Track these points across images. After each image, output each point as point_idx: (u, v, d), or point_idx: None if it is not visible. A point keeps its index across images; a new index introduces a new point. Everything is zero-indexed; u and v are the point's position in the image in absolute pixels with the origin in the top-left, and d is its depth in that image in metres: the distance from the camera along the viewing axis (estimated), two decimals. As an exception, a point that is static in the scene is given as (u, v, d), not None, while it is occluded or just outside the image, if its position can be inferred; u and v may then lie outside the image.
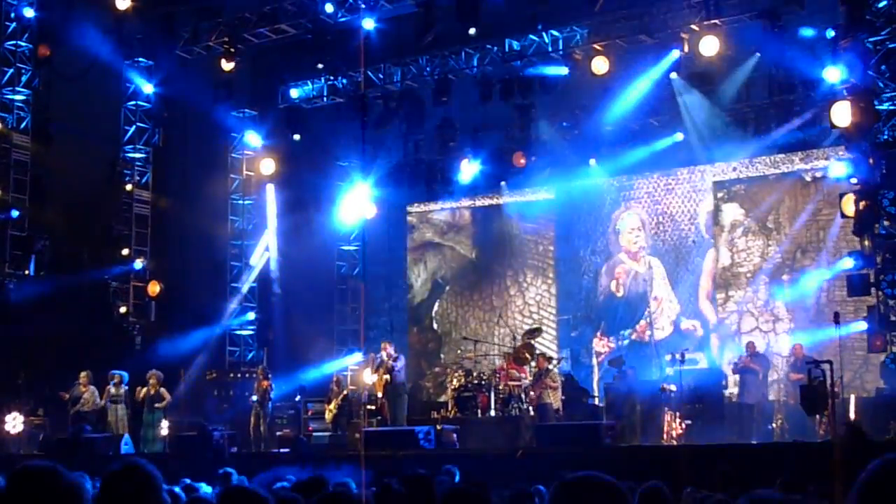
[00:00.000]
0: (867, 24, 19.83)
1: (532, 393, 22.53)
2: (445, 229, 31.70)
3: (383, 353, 24.28)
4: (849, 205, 20.11)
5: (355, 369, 29.26)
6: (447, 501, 5.90)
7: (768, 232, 26.55)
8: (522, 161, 28.17)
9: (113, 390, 23.77)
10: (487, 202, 30.81)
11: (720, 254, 27.13)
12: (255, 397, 24.71)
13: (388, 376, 23.80)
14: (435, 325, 31.43)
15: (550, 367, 23.05)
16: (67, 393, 23.92)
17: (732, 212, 27.10)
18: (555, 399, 22.78)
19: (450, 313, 31.25)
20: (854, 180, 20.45)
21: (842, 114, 19.70)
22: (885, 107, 19.97)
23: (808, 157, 25.95)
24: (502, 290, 30.35)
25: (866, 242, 20.17)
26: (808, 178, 26.01)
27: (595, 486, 3.25)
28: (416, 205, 31.98)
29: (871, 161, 19.82)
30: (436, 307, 31.57)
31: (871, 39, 20.05)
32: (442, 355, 30.63)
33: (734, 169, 27.09)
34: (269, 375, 25.19)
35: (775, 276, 26.21)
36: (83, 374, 23.78)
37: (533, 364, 23.42)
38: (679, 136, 26.41)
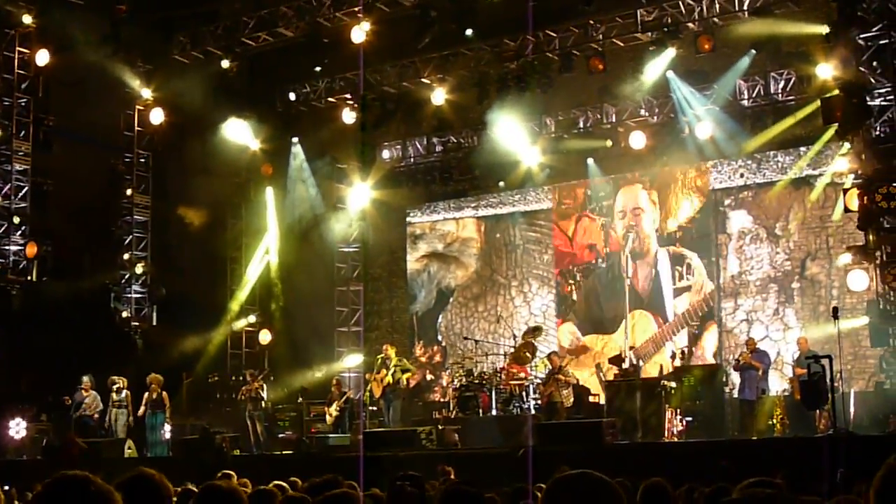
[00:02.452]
0: (859, 21, 19.91)
1: (545, 390, 22.61)
2: (449, 240, 31.31)
3: (384, 355, 24.43)
4: (852, 199, 20.15)
5: (357, 371, 29.36)
6: (445, 500, 5.96)
7: (776, 239, 26.10)
8: (521, 160, 28.26)
9: (114, 395, 23.86)
10: (488, 204, 30.69)
11: (728, 262, 26.73)
12: (244, 399, 24.87)
13: (388, 378, 23.93)
14: (440, 338, 30.82)
15: (563, 364, 23.12)
16: (69, 398, 24.03)
17: (740, 219, 26.65)
18: (566, 398, 22.84)
19: (454, 325, 30.74)
20: (853, 175, 20.55)
21: (834, 110, 19.80)
22: (876, 102, 20.03)
23: (808, 161, 25.44)
24: (507, 301, 29.99)
25: (871, 237, 20.22)
26: (816, 184, 25.40)
27: (589, 483, 3.32)
28: (416, 211, 31.81)
29: (862, 157, 19.92)
30: (440, 319, 31.09)
31: (862, 35, 20.13)
32: (447, 368, 29.66)
33: (741, 175, 26.67)
34: (259, 377, 25.31)
35: (784, 283, 25.88)
36: (86, 378, 23.88)
37: (534, 363, 23.52)
38: (676, 135, 26.39)
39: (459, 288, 31.01)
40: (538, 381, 23.28)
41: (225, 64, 26.70)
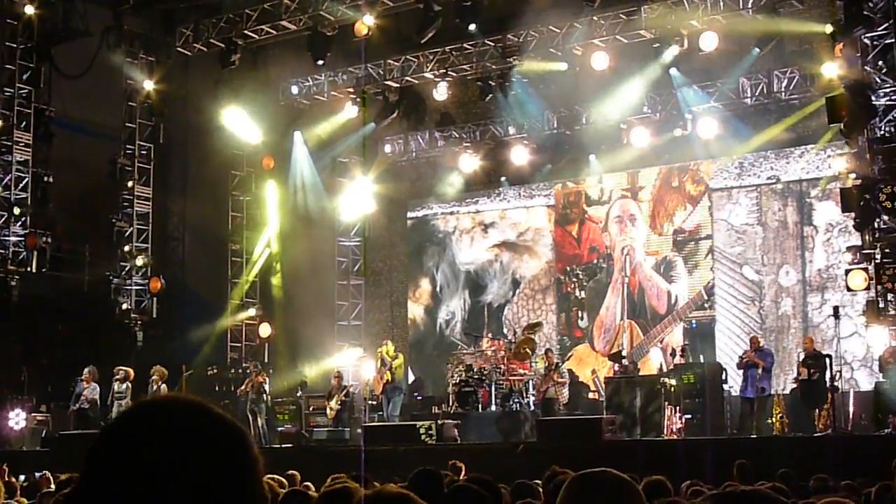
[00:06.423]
0: (865, 20, 19.88)
1: (541, 385, 22.64)
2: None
3: (383, 351, 24.47)
4: (850, 200, 20.15)
5: (357, 365, 29.35)
6: (450, 498, 5.92)
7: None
8: (522, 157, 28.23)
9: (116, 386, 23.75)
10: (488, 199, 30.64)
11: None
12: (246, 392, 24.78)
13: (388, 376, 23.98)
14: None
15: (560, 362, 23.19)
16: (71, 388, 23.95)
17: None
18: (561, 395, 22.87)
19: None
20: (853, 175, 20.51)
21: (839, 109, 19.76)
22: (881, 102, 20.01)
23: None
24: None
25: (867, 237, 20.19)
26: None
27: (610, 480, 3.32)
28: (416, 208, 31.73)
29: (867, 156, 19.87)
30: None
31: (868, 35, 20.11)
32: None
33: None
34: (262, 370, 25.29)
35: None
36: (87, 370, 23.74)
37: (534, 359, 23.54)
38: (678, 132, 26.34)
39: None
40: (539, 377, 23.33)
41: (227, 57, 26.65)
